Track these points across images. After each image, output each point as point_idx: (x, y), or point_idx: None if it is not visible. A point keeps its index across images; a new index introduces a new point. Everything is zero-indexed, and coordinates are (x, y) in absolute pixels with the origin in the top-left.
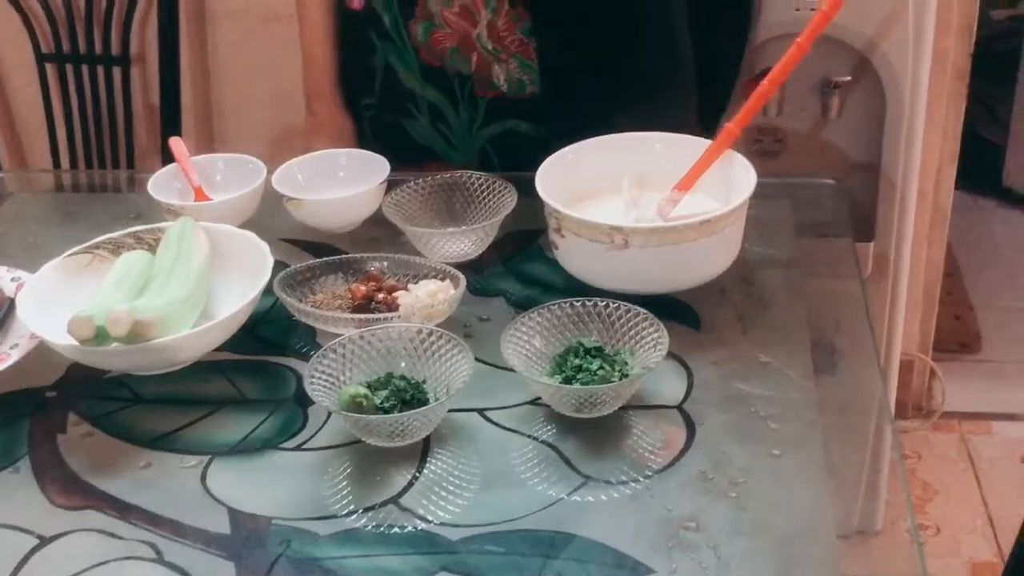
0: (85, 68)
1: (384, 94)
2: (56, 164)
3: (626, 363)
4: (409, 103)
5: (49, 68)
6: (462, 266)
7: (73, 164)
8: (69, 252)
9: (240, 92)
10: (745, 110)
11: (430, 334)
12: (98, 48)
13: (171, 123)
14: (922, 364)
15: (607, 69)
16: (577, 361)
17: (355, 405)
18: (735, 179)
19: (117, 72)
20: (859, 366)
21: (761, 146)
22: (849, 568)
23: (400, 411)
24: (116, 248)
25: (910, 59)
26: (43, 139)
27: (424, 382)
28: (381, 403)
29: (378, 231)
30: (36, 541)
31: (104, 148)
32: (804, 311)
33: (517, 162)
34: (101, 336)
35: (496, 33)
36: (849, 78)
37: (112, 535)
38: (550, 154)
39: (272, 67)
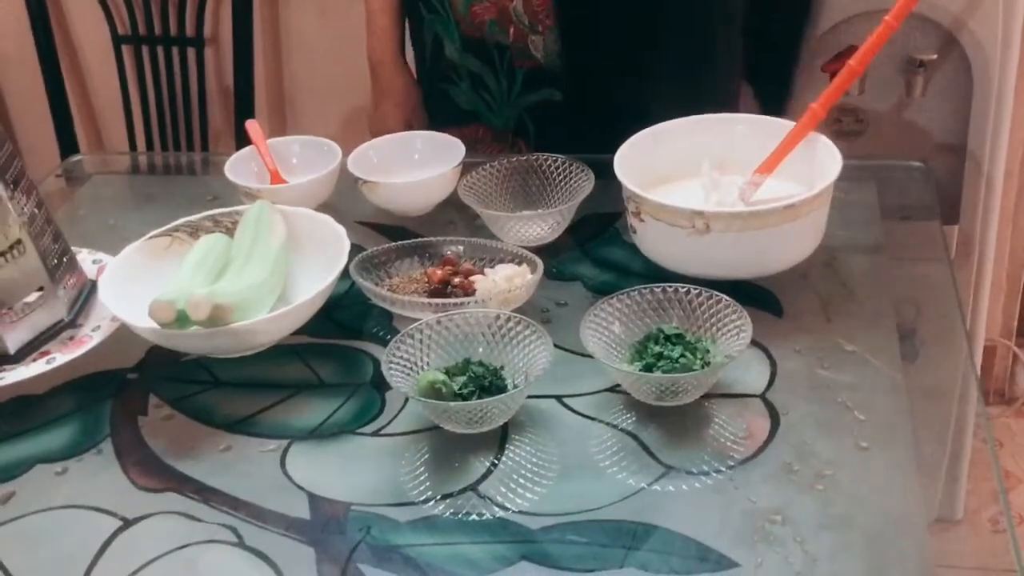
0: (160, 50)
1: (432, 62)
2: (132, 146)
3: (708, 351)
4: (452, 71)
5: (125, 50)
6: (539, 250)
7: (149, 146)
8: (149, 235)
9: (313, 73)
10: (831, 90)
11: (508, 320)
12: (173, 30)
13: (244, 104)
14: (1005, 349)
15: (632, 43)
16: (657, 348)
17: (434, 391)
18: (819, 162)
19: (192, 53)
20: (944, 352)
21: (841, 127)
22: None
23: (478, 398)
24: (195, 231)
25: (999, 37)
26: (119, 121)
27: (502, 368)
28: (459, 389)
29: (454, 214)
30: (119, 523)
31: (179, 129)
32: (890, 297)
33: (553, 130)
34: (182, 320)
35: (531, 7)
36: (935, 56)
37: (193, 518)
38: (585, 125)
39: (345, 48)
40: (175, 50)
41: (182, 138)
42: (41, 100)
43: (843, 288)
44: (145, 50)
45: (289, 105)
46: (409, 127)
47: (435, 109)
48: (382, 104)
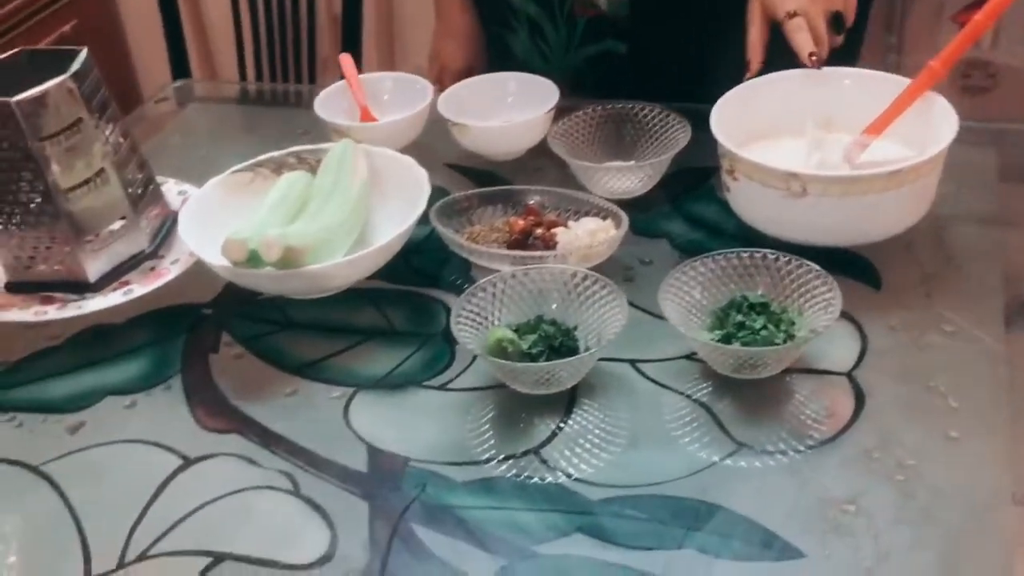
0: None
1: (490, 4)
2: (242, 74)
3: (793, 323)
4: (511, 15)
5: None
6: (628, 203)
7: (259, 73)
8: (233, 169)
9: (422, 4)
10: (953, 46)
11: (584, 278)
12: None
13: (352, 35)
14: None
15: None
16: (740, 317)
17: (500, 350)
18: (934, 124)
19: None
20: None
21: (970, 81)
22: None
23: (547, 359)
24: (278, 167)
25: None
26: (231, 48)
27: (575, 328)
28: (528, 348)
29: (544, 160)
30: (180, 462)
31: (288, 59)
32: (1000, 276)
33: (612, 86)
34: (254, 259)
35: None
36: None
37: (253, 462)
38: (650, 82)
39: None
40: None
41: (291, 67)
42: (156, 25)
43: (949, 262)
44: None
45: (398, 37)
46: (471, 70)
47: (489, 57)
48: (445, 43)
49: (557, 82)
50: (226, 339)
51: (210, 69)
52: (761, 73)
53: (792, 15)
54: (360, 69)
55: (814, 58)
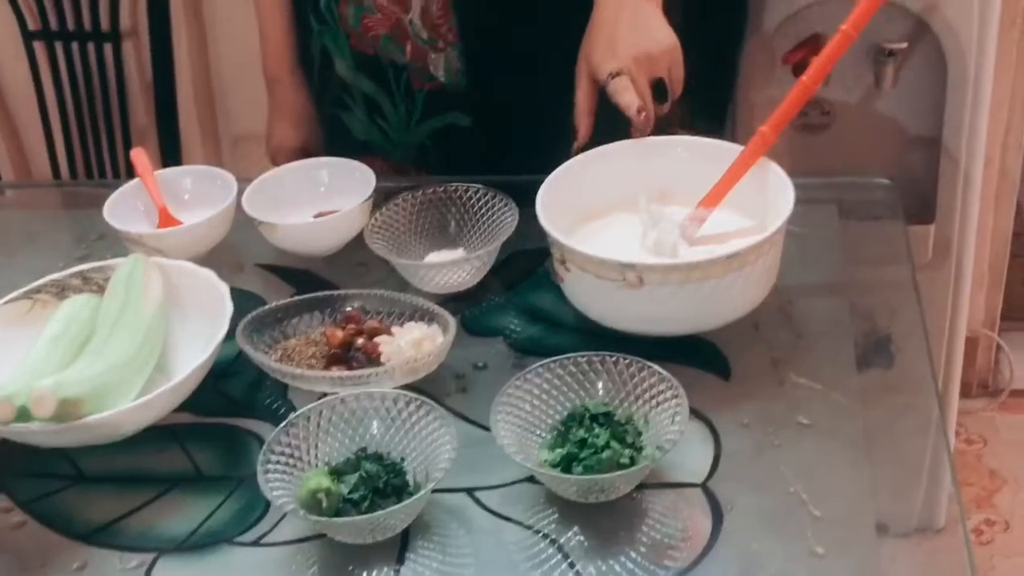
0: (76, 46)
1: (321, 83)
2: (50, 145)
3: (640, 433)
4: (345, 94)
5: (37, 46)
6: (458, 296)
7: (67, 144)
8: (6, 299)
9: (244, 64)
10: (782, 110)
11: (408, 403)
12: (87, 24)
13: (167, 100)
14: (987, 340)
15: (547, 59)
16: (581, 432)
17: (315, 502)
18: (771, 194)
19: (108, 49)
20: (916, 356)
21: (806, 119)
22: (906, 570)
23: (371, 504)
24: (60, 291)
25: (975, 22)
26: (36, 120)
27: (403, 461)
28: (349, 493)
29: (365, 253)
30: None
31: (99, 128)
32: (851, 351)
33: (458, 159)
34: (24, 416)
35: (430, 20)
36: (905, 44)
37: None
38: (497, 154)
39: None
40: (90, 45)
41: (103, 137)
42: None
43: (799, 340)
44: (59, 46)
45: (219, 98)
46: (306, 152)
47: (326, 138)
48: (277, 124)
49: (401, 160)
50: (4, 504)
51: (15, 140)
52: (593, 141)
53: (615, 75)
54: (178, 140)
55: (643, 114)
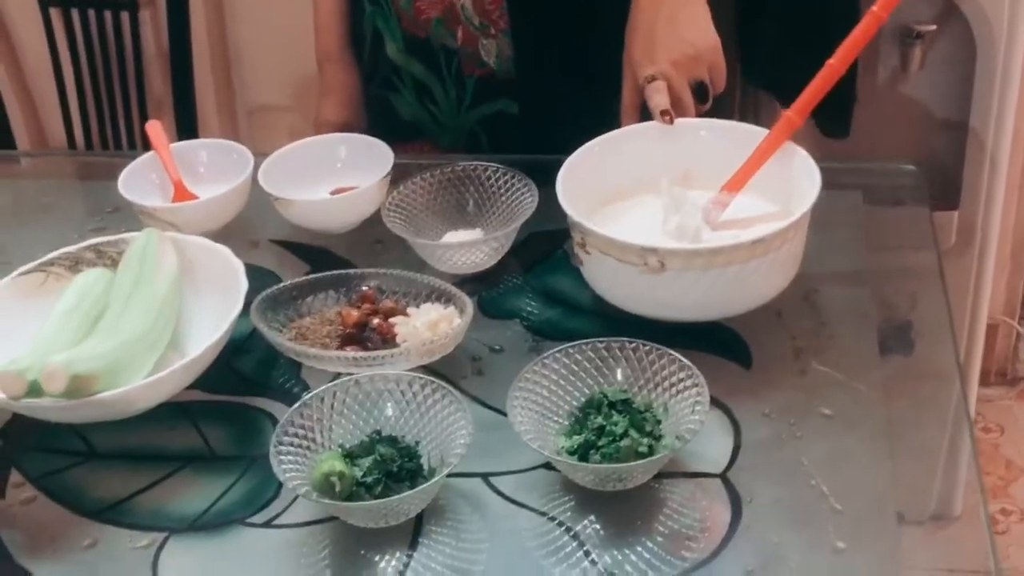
0: (92, 13)
1: (372, 64)
2: (65, 114)
3: (659, 421)
4: (394, 76)
5: (54, 13)
6: (475, 277)
7: (83, 113)
8: (19, 271)
9: (260, 33)
10: (809, 94)
11: (424, 386)
12: None
13: (182, 69)
14: (1007, 328)
15: (595, 48)
16: (599, 419)
17: (328, 486)
18: (795, 177)
19: (125, 17)
20: (938, 343)
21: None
22: (922, 557)
23: (384, 488)
24: (74, 264)
25: (1006, 5)
26: (52, 88)
27: (417, 445)
28: (363, 477)
29: (383, 231)
30: None
31: (115, 97)
32: (874, 339)
33: (510, 147)
34: (35, 391)
35: (482, 6)
36: (934, 27)
37: None
38: (545, 142)
39: (292, 4)
40: (107, 13)
41: (119, 105)
42: None
43: (821, 329)
44: (75, 13)
45: (235, 68)
46: (349, 127)
47: (374, 120)
48: (324, 102)
49: (450, 145)
50: (15, 479)
51: (31, 108)
52: None
53: (651, 79)
54: (194, 109)
55: (667, 117)
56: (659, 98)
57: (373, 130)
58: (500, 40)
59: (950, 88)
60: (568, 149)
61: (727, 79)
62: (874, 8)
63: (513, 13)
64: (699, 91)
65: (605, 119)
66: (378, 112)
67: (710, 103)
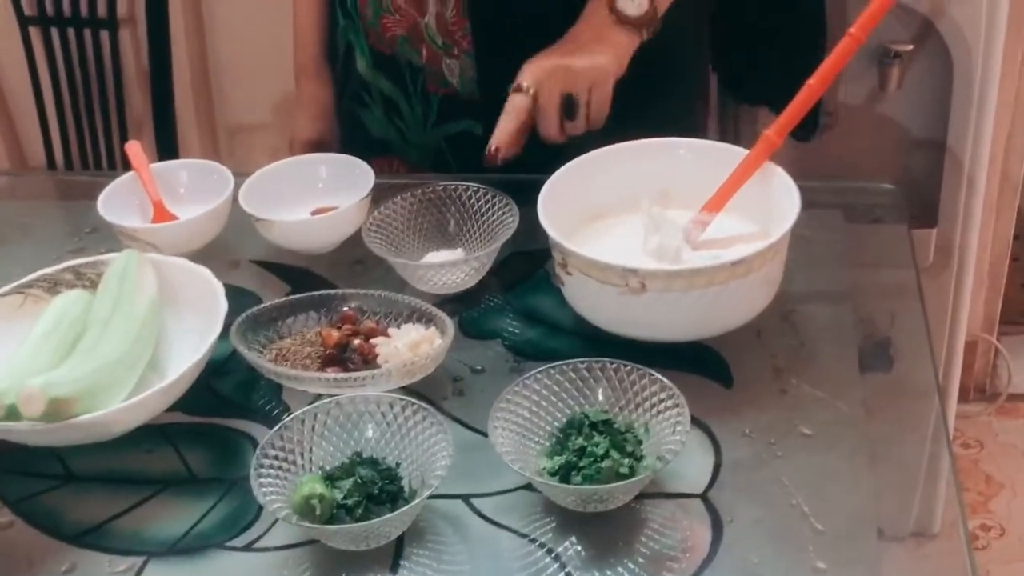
0: (72, 32)
1: (344, 77)
2: (45, 133)
3: (640, 441)
4: (364, 91)
5: (33, 32)
6: (456, 297)
7: (63, 132)
8: None
9: (240, 53)
10: (788, 114)
11: (404, 408)
12: (83, 10)
13: (163, 89)
14: (986, 344)
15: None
16: (580, 440)
17: (308, 508)
18: (775, 199)
19: (105, 36)
20: (917, 360)
21: None
22: (902, 575)
23: (365, 510)
24: (53, 286)
25: (983, 24)
26: (31, 107)
27: (398, 466)
28: (343, 499)
29: (363, 251)
30: None
31: (95, 116)
32: (855, 358)
33: (474, 166)
34: (13, 415)
35: (445, 26)
36: (911, 47)
37: None
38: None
39: (272, 23)
40: (87, 32)
41: (99, 124)
42: None
43: (802, 347)
44: (55, 32)
45: (216, 87)
46: (323, 145)
47: (345, 135)
48: (299, 116)
49: (418, 161)
50: None
51: (10, 128)
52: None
53: (516, 88)
54: (174, 129)
55: (493, 149)
56: (502, 122)
57: (344, 145)
58: (463, 61)
59: (927, 107)
60: (532, 170)
61: (704, 98)
62: (852, 30)
63: (476, 35)
64: (567, 104)
65: (568, 140)
66: (350, 127)
67: (579, 122)
